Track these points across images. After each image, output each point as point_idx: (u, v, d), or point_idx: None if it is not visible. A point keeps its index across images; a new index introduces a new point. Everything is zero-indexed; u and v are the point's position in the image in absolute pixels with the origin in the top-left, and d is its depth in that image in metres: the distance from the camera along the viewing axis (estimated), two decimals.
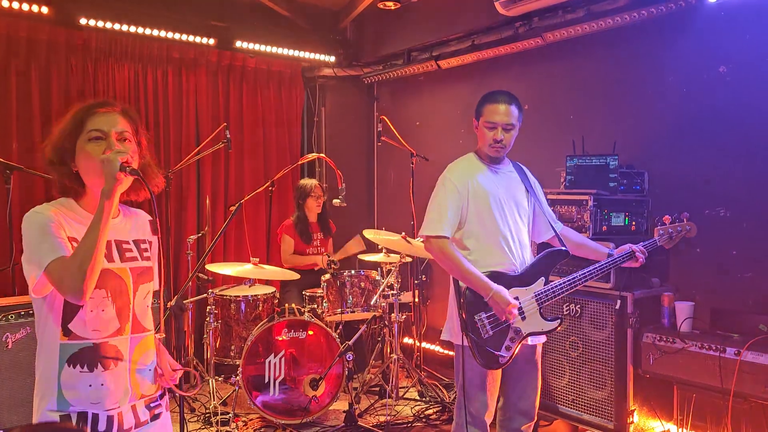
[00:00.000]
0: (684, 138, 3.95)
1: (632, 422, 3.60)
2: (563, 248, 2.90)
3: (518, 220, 2.88)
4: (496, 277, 2.73)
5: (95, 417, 1.74)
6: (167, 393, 1.98)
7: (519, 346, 2.76)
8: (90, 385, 1.74)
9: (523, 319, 2.75)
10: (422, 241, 2.88)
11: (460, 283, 2.73)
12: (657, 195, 3.97)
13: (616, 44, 4.32)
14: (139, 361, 1.84)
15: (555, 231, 2.97)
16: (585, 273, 2.85)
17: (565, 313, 3.88)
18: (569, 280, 2.82)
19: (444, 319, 2.98)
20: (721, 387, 3.26)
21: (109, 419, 1.76)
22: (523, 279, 2.79)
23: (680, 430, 3.61)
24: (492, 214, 2.80)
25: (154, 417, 1.89)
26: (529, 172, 3.06)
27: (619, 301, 3.61)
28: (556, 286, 2.81)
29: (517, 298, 2.74)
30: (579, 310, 3.81)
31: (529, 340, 2.81)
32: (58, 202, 1.82)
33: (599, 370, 3.72)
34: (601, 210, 3.79)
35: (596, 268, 2.87)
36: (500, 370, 2.81)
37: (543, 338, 2.91)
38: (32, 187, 4.64)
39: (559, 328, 2.88)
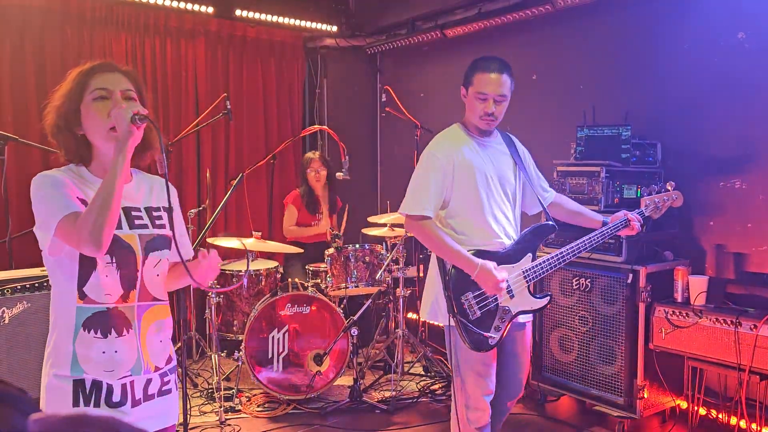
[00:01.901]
0: (699, 108, 3.83)
1: (642, 398, 3.55)
2: (550, 222, 2.74)
3: (506, 195, 2.72)
4: (481, 255, 2.57)
5: (110, 388, 1.71)
6: (178, 367, 1.92)
7: (509, 326, 2.62)
8: (104, 352, 1.70)
9: (512, 297, 2.61)
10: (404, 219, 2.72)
11: (446, 264, 2.58)
12: (670, 167, 3.86)
13: (629, 10, 4.18)
14: (148, 331, 1.78)
15: (542, 206, 2.82)
16: (574, 247, 2.70)
17: (575, 287, 3.80)
18: (557, 255, 2.67)
19: None
20: (736, 362, 3.19)
21: (123, 388, 1.73)
22: (510, 257, 2.63)
23: (691, 406, 3.56)
24: (478, 190, 2.63)
25: (162, 393, 1.83)
26: (518, 142, 2.87)
27: (631, 275, 3.53)
28: (544, 262, 2.66)
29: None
30: (589, 284, 3.73)
31: (520, 319, 2.69)
32: (66, 168, 1.76)
33: (609, 345, 3.66)
34: (613, 182, 3.69)
35: (587, 240, 2.72)
36: (495, 348, 2.66)
37: (531, 316, 2.78)
38: (27, 158, 4.53)
39: (549, 306, 2.76)
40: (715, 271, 3.71)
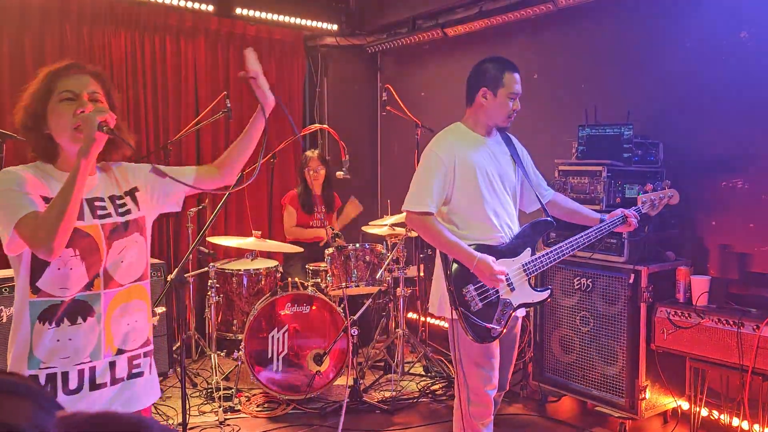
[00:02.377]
0: (701, 107, 3.81)
1: (644, 398, 3.53)
2: (548, 218, 2.82)
3: (506, 192, 2.79)
4: (481, 249, 2.64)
5: (65, 375, 1.74)
6: (152, 354, 1.95)
7: (510, 318, 2.69)
8: (58, 340, 1.73)
9: (512, 290, 2.68)
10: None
11: (449, 257, 2.65)
12: (672, 166, 3.84)
13: (631, 9, 4.16)
14: (114, 316, 1.81)
15: (541, 203, 2.89)
16: (572, 242, 2.76)
17: (576, 287, 3.78)
18: (556, 249, 2.75)
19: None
20: (738, 363, 3.17)
21: (80, 374, 1.76)
22: (510, 250, 2.71)
23: (693, 406, 3.54)
24: (479, 188, 2.69)
25: (134, 375, 1.86)
26: (516, 141, 2.93)
27: (632, 275, 3.51)
28: (543, 256, 2.73)
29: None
30: (590, 284, 3.71)
31: (519, 312, 2.75)
32: (33, 164, 1.81)
33: (610, 346, 3.64)
34: (615, 181, 3.67)
35: (585, 235, 2.79)
36: (497, 340, 2.72)
37: (524, 311, 2.84)
38: (26, 156, 4.50)
39: (549, 299, 2.82)
40: (717, 271, 3.69)
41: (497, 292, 2.65)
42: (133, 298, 1.86)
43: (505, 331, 2.68)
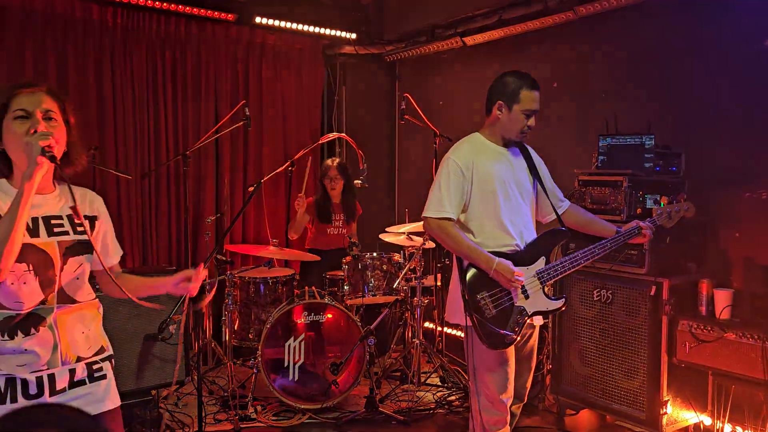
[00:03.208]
0: (724, 117, 3.75)
1: (665, 413, 3.47)
2: (563, 228, 2.86)
3: (522, 202, 2.81)
4: (496, 256, 2.66)
5: (24, 382, 1.79)
6: (112, 357, 2.02)
7: (524, 326, 2.69)
8: (14, 350, 1.78)
9: (527, 297, 2.69)
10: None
11: (463, 263, 2.68)
12: (694, 176, 3.78)
13: (652, 17, 4.11)
14: (67, 328, 1.87)
15: (557, 213, 2.92)
16: (587, 252, 2.79)
17: (596, 299, 3.73)
18: (571, 258, 2.77)
19: None
20: (763, 378, 3.10)
21: (39, 381, 1.81)
22: (524, 258, 2.73)
23: (715, 422, 3.46)
24: (496, 196, 2.73)
25: (94, 378, 1.93)
26: (533, 152, 2.95)
27: (654, 287, 3.45)
28: (558, 264, 2.75)
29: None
30: (611, 296, 3.66)
31: (534, 321, 2.75)
32: None
33: (631, 359, 3.58)
34: (636, 191, 3.62)
35: (600, 245, 2.82)
36: (513, 348, 2.73)
37: (541, 319, 2.84)
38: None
39: (564, 308, 2.83)
40: (741, 284, 3.61)
41: (511, 299, 2.67)
42: (84, 310, 1.93)
43: (518, 338, 2.69)
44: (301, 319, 4.08)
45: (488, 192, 2.72)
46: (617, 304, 3.64)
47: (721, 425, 3.44)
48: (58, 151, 1.80)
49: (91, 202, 2.03)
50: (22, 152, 1.76)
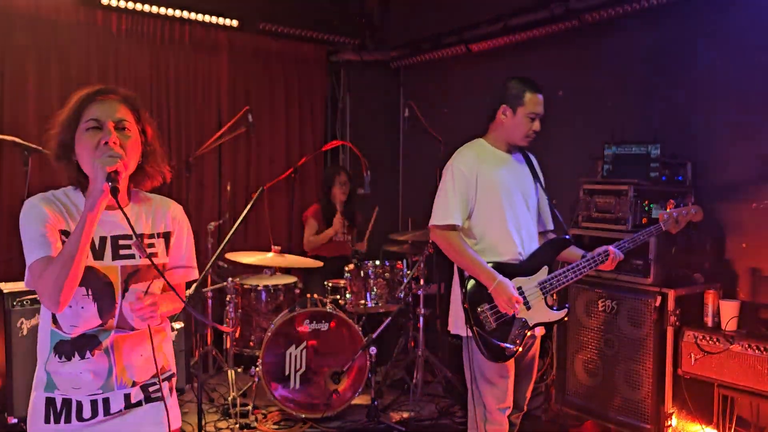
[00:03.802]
0: (731, 126, 3.72)
1: (670, 425, 3.43)
2: (566, 237, 2.81)
3: (526, 209, 2.79)
4: (498, 267, 2.64)
5: (79, 404, 1.75)
6: (174, 376, 1.92)
7: (526, 337, 2.66)
8: (70, 373, 1.73)
9: (528, 309, 2.66)
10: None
11: (464, 275, 2.66)
12: (700, 186, 3.75)
13: (658, 26, 4.09)
14: (123, 352, 1.77)
15: (560, 219, 2.90)
16: (589, 260, 2.71)
17: (600, 309, 3.69)
18: (574, 268, 2.70)
19: None
20: None
21: (93, 405, 1.76)
22: (527, 268, 2.70)
23: None
24: (501, 203, 2.70)
25: (151, 400, 1.84)
26: (535, 161, 2.93)
27: (659, 298, 3.41)
28: (561, 275, 2.70)
29: (519, 288, 2.65)
30: (615, 306, 3.62)
31: (536, 331, 2.72)
32: (62, 191, 1.77)
33: (636, 370, 3.54)
34: (641, 201, 3.59)
35: (600, 253, 2.70)
36: (513, 359, 2.70)
37: (543, 329, 2.79)
38: (51, 169, 4.54)
39: (566, 318, 2.77)
40: (747, 295, 3.58)
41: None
42: (144, 341, 1.81)
43: (520, 350, 2.66)
44: (302, 327, 4.05)
45: (493, 199, 2.70)
46: (622, 314, 3.60)
47: None
48: (129, 169, 1.72)
49: (166, 216, 1.88)
50: (91, 168, 1.64)
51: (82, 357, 1.72)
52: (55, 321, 1.72)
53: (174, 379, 1.93)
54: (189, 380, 3.80)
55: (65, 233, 1.69)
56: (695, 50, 3.90)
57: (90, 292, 1.70)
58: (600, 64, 4.47)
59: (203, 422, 3.63)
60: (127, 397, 1.79)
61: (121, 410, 1.79)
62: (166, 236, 1.85)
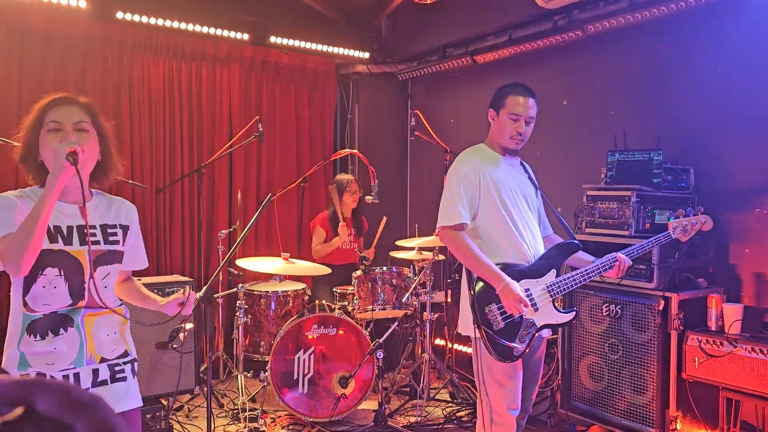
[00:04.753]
0: (733, 133, 3.77)
1: (675, 429, 3.44)
2: (575, 241, 2.84)
3: (529, 210, 2.83)
4: (506, 268, 2.68)
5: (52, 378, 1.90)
6: (135, 361, 2.11)
7: (533, 338, 2.70)
8: (44, 349, 1.88)
9: (536, 310, 2.70)
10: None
11: (473, 275, 2.69)
12: (703, 192, 3.79)
13: (661, 35, 4.16)
14: (93, 330, 1.96)
15: (564, 224, 2.94)
16: (598, 265, 2.77)
17: (605, 313, 3.73)
18: (582, 272, 2.75)
19: None
20: None
21: (65, 379, 1.89)
22: (535, 271, 2.74)
23: None
24: (505, 204, 2.74)
25: (116, 380, 2.01)
26: (530, 170, 2.99)
27: (662, 302, 3.45)
28: (569, 278, 2.74)
29: (527, 290, 2.68)
30: (619, 311, 3.66)
31: (543, 332, 2.76)
32: (29, 188, 1.97)
33: (640, 374, 3.56)
34: (644, 206, 3.64)
35: (609, 259, 2.78)
36: (521, 360, 2.73)
37: (550, 332, 2.84)
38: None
39: (574, 321, 2.82)
40: (751, 299, 3.60)
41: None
42: (111, 314, 2.02)
43: (528, 350, 2.69)
44: (311, 333, 4.11)
45: (497, 200, 2.74)
46: (626, 318, 3.63)
47: None
48: (87, 161, 1.90)
49: (126, 213, 2.12)
50: (52, 162, 1.85)
51: (56, 334, 1.90)
52: (26, 305, 1.88)
53: (136, 364, 2.11)
54: (198, 383, 3.86)
55: None
56: (697, 60, 3.95)
57: (62, 273, 1.89)
58: (603, 74, 4.54)
59: (212, 427, 3.68)
60: (95, 372, 1.96)
61: (88, 387, 1.94)
62: (125, 228, 2.09)
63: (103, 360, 1.98)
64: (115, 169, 2.06)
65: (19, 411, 0.53)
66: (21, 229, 1.77)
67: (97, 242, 1.97)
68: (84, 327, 1.94)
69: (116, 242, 2.03)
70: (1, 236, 1.80)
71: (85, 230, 1.95)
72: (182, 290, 2.10)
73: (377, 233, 4.95)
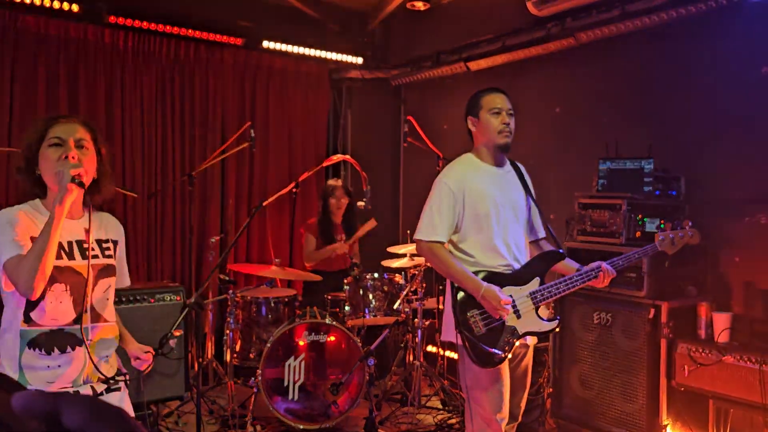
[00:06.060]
0: (723, 142, 3.78)
1: None
2: (560, 250, 2.83)
3: (515, 221, 2.82)
4: (490, 277, 2.68)
5: None
6: (126, 375, 2.19)
7: (515, 345, 2.69)
8: (48, 366, 1.93)
9: (519, 317, 2.68)
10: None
11: (454, 282, 2.70)
12: (694, 200, 3.81)
13: (652, 44, 4.17)
14: (97, 347, 2.04)
15: (550, 231, 2.94)
16: (582, 274, 2.72)
17: (596, 322, 3.73)
18: (566, 281, 2.73)
19: None
20: (761, 402, 3.08)
21: None
22: (518, 278, 2.74)
23: None
24: (489, 216, 2.73)
25: (111, 390, 2.09)
26: (525, 172, 2.97)
27: (652, 310, 3.46)
28: (552, 286, 2.72)
29: (510, 297, 2.67)
30: (610, 319, 3.66)
31: (527, 340, 2.76)
32: (28, 203, 2.02)
33: (630, 382, 3.57)
34: (634, 215, 3.65)
35: (593, 269, 2.73)
36: (506, 367, 2.72)
37: (535, 338, 2.84)
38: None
39: (557, 329, 2.79)
40: (741, 308, 3.61)
41: (501, 318, 2.67)
42: (109, 335, 2.10)
43: (510, 356, 2.68)
44: (301, 339, 4.09)
45: (480, 213, 2.73)
46: (617, 327, 3.64)
47: None
48: (87, 180, 1.96)
49: (115, 228, 2.20)
50: (54, 177, 1.90)
51: (63, 351, 1.95)
52: (28, 320, 1.91)
53: (127, 376, 2.20)
54: (188, 389, 3.84)
55: (34, 240, 1.91)
56: (689, 68, 3.97)
57: (68, 288, 1.96)
58: (595, 82, 4.55)
59: None
60: (93, 390, 2.02)
61: None
62: (115, 243, 2.17)
63: (100, 379, 2.06)
64: (109, 189, 2.12)
65: None
66: (31, 252, 1.83)
67: (96, 256, 2.04)
68: (88, 346, 1.99)
69: (110, 256, 2.11)
70: (7, 259, 1.85)
71: (84, 245, 2.01)
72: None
73: (361, 230, 4.91)
